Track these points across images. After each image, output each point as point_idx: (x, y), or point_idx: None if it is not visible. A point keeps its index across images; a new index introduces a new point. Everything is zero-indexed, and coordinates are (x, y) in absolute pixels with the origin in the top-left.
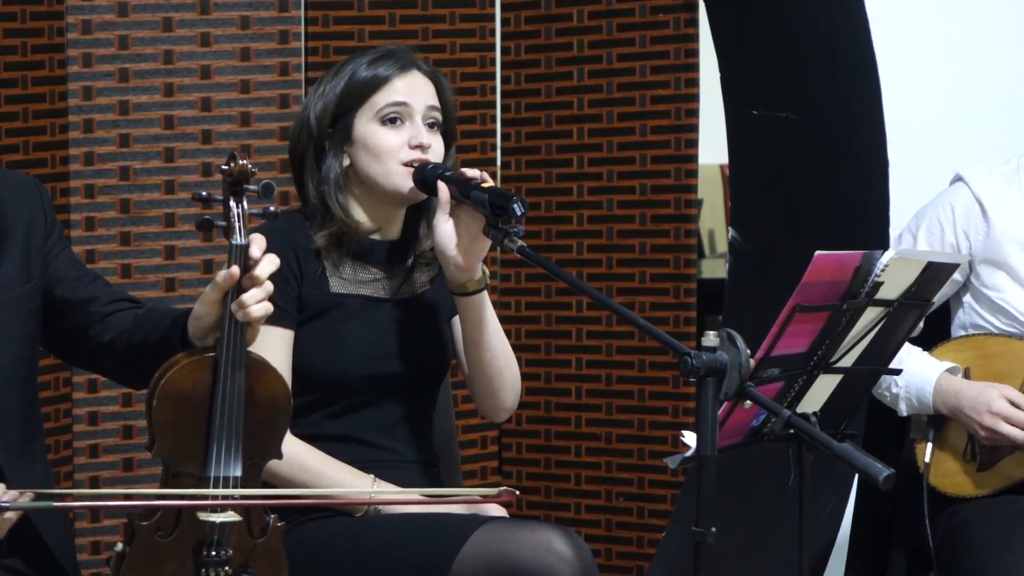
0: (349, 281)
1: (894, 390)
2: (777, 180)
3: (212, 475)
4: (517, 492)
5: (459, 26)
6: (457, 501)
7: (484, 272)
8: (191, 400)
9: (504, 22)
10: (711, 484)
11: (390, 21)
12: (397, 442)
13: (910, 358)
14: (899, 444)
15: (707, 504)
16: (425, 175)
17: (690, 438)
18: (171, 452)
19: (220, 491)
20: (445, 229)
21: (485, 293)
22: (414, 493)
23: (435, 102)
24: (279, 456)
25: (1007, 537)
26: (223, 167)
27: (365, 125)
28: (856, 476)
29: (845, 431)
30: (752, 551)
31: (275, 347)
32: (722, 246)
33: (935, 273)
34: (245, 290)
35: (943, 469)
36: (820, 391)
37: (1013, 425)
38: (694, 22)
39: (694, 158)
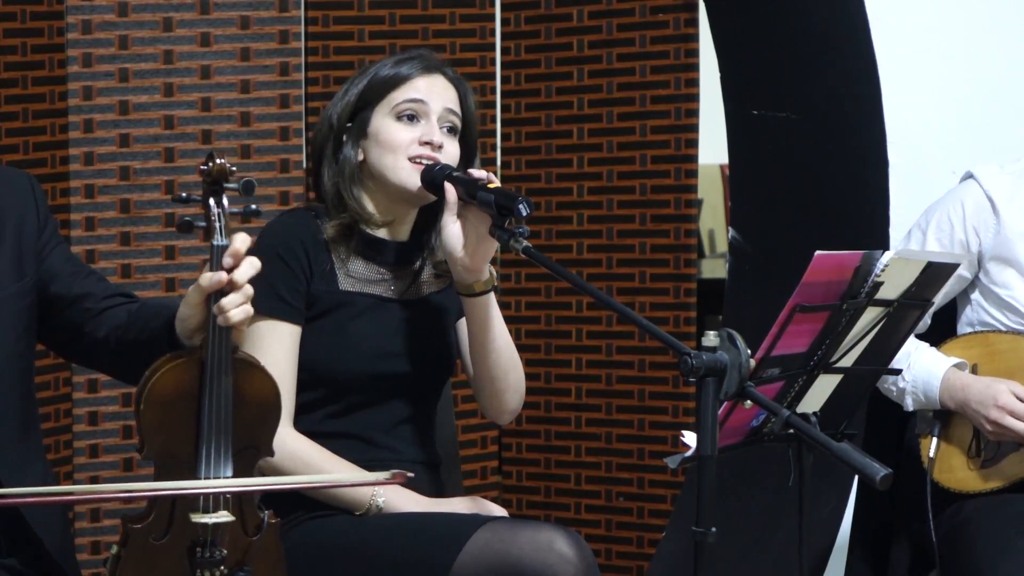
0: (357, 279)
1: (901, 384)
2: (777, 180)
3: (203, 476)
4: (410, 474)
5: (459, 26)
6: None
7: (491, 273)
8: (178, 403)
9: (504, 22)
10: (711, 484)
11: (390, 21)
12: (400, 442)
13: (917, 353)
14: (899, 444)
15: (707, 504)
16: (433, 175)
17: (690, 438)
18: (161, 454)
19: (212, 482)
20: (453, 230)
21: (492, 294)
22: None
23: (455, 107)
24: (271, 454)
25: (1010, 538)
26: (201, 167)
27: (381, 120)
28: (856, 476)
29: (845, 431)
30: (752, 551)
31: (282, 342)
32: (722, 246)
33: (935, 273)
34: (226, 294)
35: (947, 465)
36: (820, 391)
37: (1019, 420)
38: (694, 22)
39: (694, 158)
